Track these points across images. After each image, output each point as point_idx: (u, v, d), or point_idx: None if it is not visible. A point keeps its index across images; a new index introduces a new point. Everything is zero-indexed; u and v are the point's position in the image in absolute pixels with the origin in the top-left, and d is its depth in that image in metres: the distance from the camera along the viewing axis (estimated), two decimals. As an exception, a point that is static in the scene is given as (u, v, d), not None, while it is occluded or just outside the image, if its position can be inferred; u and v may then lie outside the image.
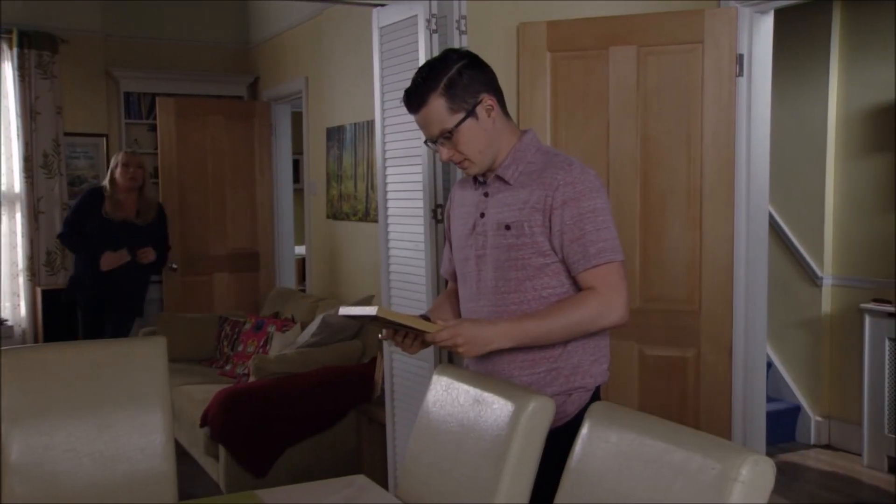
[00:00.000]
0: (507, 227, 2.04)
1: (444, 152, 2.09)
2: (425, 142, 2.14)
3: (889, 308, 4.43)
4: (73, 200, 5.79)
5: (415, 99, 2.08)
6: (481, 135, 2.06)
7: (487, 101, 2.06)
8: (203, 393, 4.45)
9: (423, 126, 2.10)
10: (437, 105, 2.04)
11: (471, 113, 2.04)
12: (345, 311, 2.03)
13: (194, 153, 6.42)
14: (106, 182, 5.10)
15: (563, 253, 2.01)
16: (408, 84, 3.31)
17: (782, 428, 4.93)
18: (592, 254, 1.97)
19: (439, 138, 2.07)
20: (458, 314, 2.26)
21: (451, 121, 2.04)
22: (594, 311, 1.97)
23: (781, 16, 3.55)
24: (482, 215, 2.11)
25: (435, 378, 2.18)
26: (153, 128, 6.57)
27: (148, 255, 5.03)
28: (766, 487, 1.43)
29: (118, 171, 5.01)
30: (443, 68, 2.05)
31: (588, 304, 1.97)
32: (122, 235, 4.98)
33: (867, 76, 4.70)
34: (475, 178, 2.17)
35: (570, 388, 2.06)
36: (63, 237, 5.15)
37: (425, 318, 2.18)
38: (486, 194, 2.12)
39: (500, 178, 2.09)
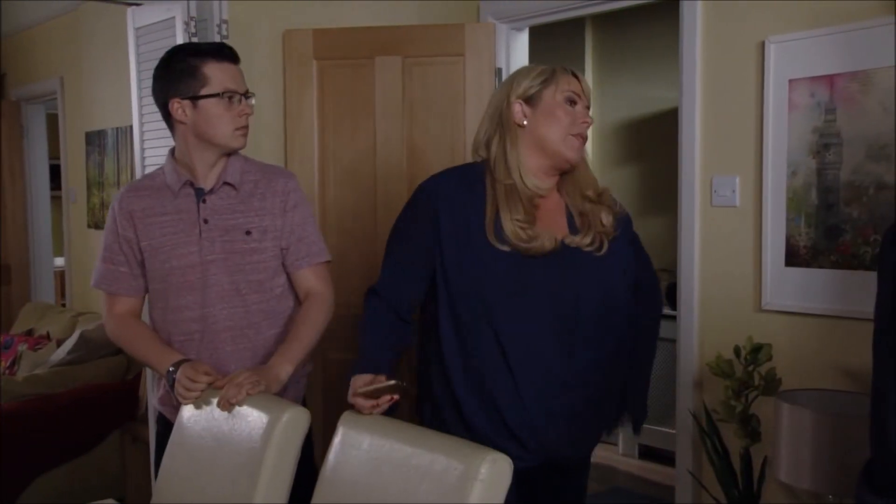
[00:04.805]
0: (248, 233, 2.16)
1: None
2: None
3: (638, 307, 4.80)
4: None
5: None
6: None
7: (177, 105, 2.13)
8: (-61, 421, 4.03)
9: None
10: None
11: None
12: None
13: (-74, 155, 5.80)
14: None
15: (285, 250, 2.20)
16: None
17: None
18: (315, 252, 2.22)
19: None
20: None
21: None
22: (326, 312, 2.21)
23: (538, 33, 3.74)
24: (206, 221, 2.14)
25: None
26: None
27: None
28: (503, 484, 1.49)
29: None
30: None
31: (322, 308, 2.20)
32: None
33: (618, 93, 5.07)
34: (169, 185, 2.15)
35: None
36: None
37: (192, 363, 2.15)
38: (203, 200, 2.14)
39: (228, 184, 2.17)
